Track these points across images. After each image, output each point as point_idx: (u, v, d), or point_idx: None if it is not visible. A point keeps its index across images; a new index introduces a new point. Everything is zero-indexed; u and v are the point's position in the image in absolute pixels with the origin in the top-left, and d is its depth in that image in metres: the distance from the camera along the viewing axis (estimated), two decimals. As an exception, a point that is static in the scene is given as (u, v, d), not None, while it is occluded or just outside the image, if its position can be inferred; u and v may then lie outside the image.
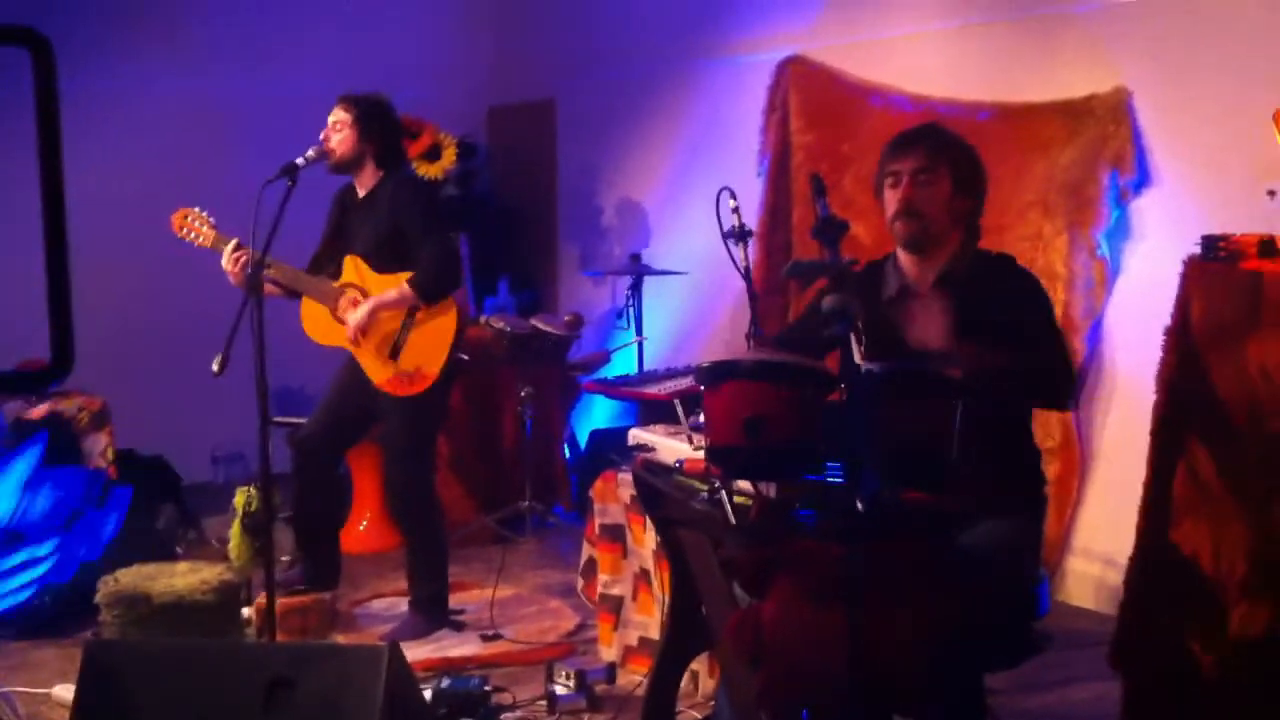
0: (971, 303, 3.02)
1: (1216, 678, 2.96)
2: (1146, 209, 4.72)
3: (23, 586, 4.74)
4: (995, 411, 2.86)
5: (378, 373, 4.53)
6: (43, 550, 4.83)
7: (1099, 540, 4.82)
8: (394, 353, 4.52)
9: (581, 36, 7.41)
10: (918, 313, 3.11)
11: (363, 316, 4.48)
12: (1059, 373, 3.04)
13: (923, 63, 5.47)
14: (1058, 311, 4.76)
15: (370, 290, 4.54)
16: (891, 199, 3.11)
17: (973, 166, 3.14)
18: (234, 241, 4.43)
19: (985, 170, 3.16)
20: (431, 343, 4.52)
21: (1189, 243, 3.35)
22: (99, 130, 6.39)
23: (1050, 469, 4.24)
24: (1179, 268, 3.21)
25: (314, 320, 4.63)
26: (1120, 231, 4.79)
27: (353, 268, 4.58)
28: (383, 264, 4.53)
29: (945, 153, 3.10)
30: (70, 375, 4.92)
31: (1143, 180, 4.70)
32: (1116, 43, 4.75)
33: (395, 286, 4.49)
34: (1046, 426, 4.73)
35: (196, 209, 4.58)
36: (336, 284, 4.60)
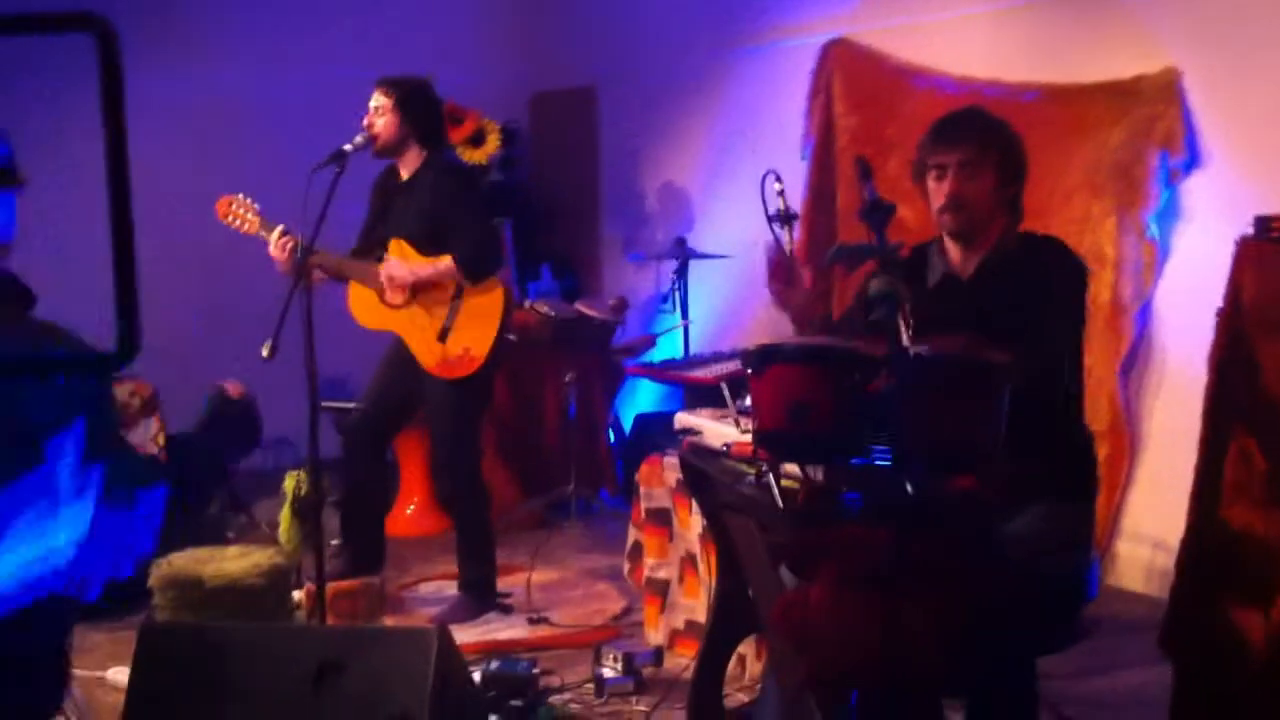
0: (1007, 290, 2.99)
1: (1267, 661, 2.94)
2: (1196, 190, 4.67)
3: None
4: (1043, 394, 2.85)
5: (426, 356, 4.56)
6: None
7: (1148, 523, 4.78)
8: (442, 335, 4.54)
9: (623, 22, 7.40)
10: (957, 301, 3.08)
11: (404, 271, 4.50)
12: (1034, 350, 2.94)
13: (967, 45, 5.43)
14: (1105, 295, 4.73)
15: None
16: (937, 191, 3.08)
17: (1016, 152, 3.10)
18: (279, 228, 4.46)
19: (1025, 151, 3.13)
20: (479, 324, 4.54)
21: (1240, 224, 3.31)
22: (143, 122, 6.44)
23: (1099, 452, 4.20)
24: (1230, 249, 3.17)
25: (361, 304, 4.66)
26: (1170, 213, 4.74)
27: (397, 250, 4.60)
28: (427, 247, 4.55)
29: (991, 143, 3.06)
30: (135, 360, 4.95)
31: (1193, 161, 4.65)
32: (1165, 22, 4.70)
33: (436, 261, 4.50)
34: (1095, 409, 4.69)
35: (241, 195, 4.61)
36: (382, 266, 4.62)
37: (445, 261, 4.48)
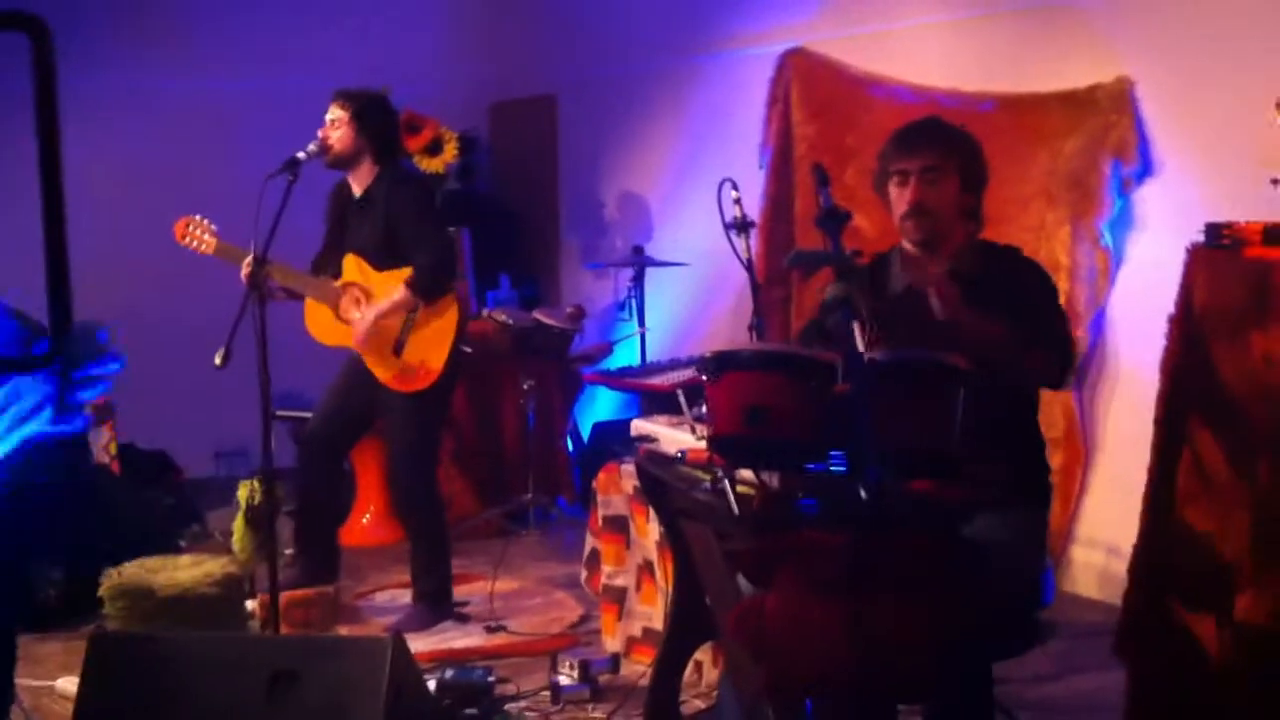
0: (979, 294, 3.00)
1: (1222, 665, 2.96)
2: (1149, 198, 4.72)
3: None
4: (999, 399, 2.86)
5: (382, 369, 4.54)
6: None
7: (1103, 530, 4.82)
8: (397, 349, 4.52)
9: (582, 31, 7.40)
10: (926, 309, 3.09)
11: (365, 326, 4.49)
12: (1056, 346, 3.02)
13: (925, 54, 5.46)
14: (1061, 301, 4.76)
15: (372, 288, 4.55)
16: (899, 198, 3.09)
17: (978, 159, 3.13)
18: (251, 255, 4.35)
19: (986, 160, 3.15)
20: (434, 338, 4.52)
21: (1191, 232, 3.33)
22: (100, 128, 6.39)
23: (1054, 459, 4.23)
24: (1182, 256, 3.20)
25: (317, 321, 4.63)
26: (1123, 221, 4.78)
27: (354, 266, 4.59)
28: (383, 261, 4.54)
29: (954, 150, 3.08)
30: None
31: (1145, 170, 4.70)
32: (1118, 33, 4.74)
33: (392, 290, 4.49)
34: (1050, 416, 4.72)
35: (198, 217, 4.56)
36: (338, 283, 4.60)
37: (400, 290, 4.47)
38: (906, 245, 3.18)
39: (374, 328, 4.51)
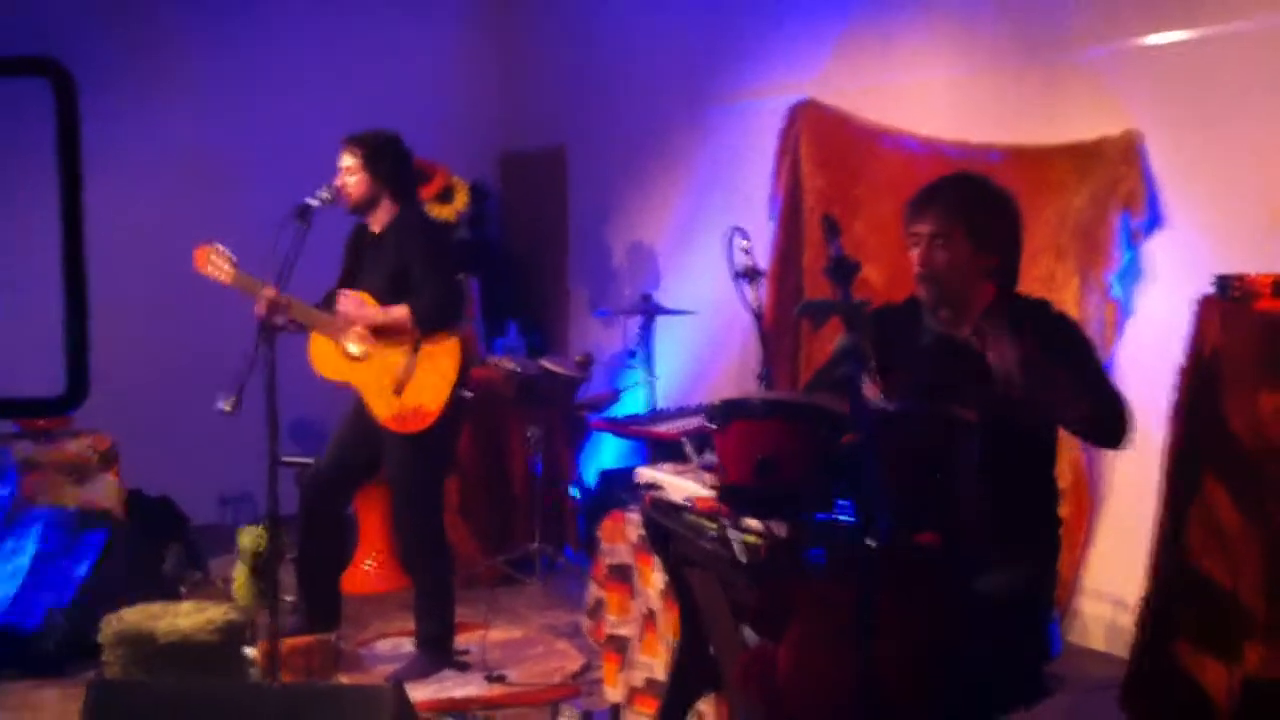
0: (1012, 352, 2.95)
1: (1230, 718, 2.92)
2: (1158, 251, 4.71)
3: None
4: (1014, 451, 2.84)
5: (381, 409, 4.52)
6: None
7: (1110, 581, 4.77)
8: (398, 389, 4.51)
9: (592, 83, 7.45)
10: (958, 360, 3.03)
11: (353, 308, 4.47)
12: (1118, 408, 2.96)
13: (933, 107, 5.48)
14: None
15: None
16: (914, 260, 3.06)
17: (993, 219, 3.05)
18: (272, 290, 4.24)
19: (1015, 218, 3.07)
20: (434, 380, 4.51)
21: (1200, 284, 3.34)
22: (107, 172, 6.41)
23: (1061, 510, 4.21)
24: (1190, 308, 3.20)
25: (321, 354, 4.62)
26: (1132, 273, 4.77)
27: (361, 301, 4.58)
28: (390, 299, 4.53)
29: (959, 214, 3.00)
30: (83, 404, 4.92)
31: (1154, 222, 4.69)
32: (1125, 86, 4.75)
33: (399, 310, 4.48)
34: (1057, 467, 4.69)
35: (219, 246, 4.55)
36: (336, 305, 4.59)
37: (399, 309, 4.46)
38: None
39: (362, 321, 4.48)
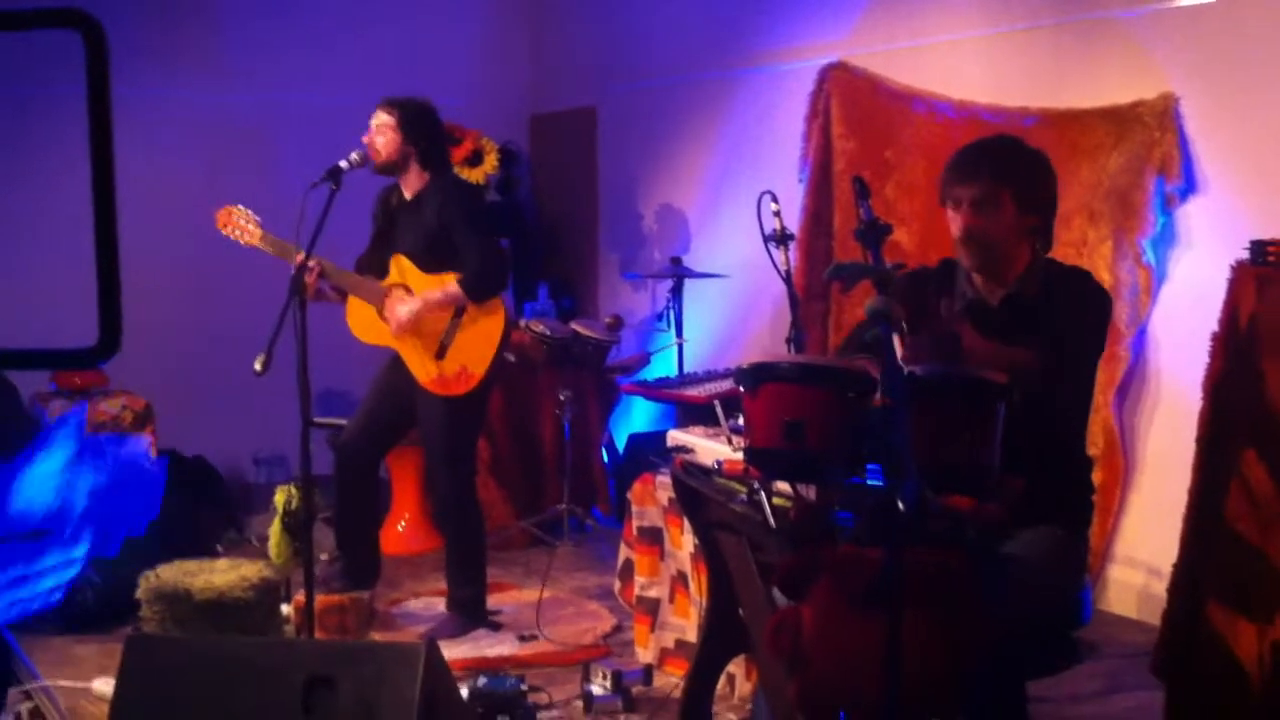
0: (1034, 323, 2.95)
1: (1262, 685, 2.92)
2: (1193, 215, 4.67)
3: (55, 588, 4.78)
4: (1046, 416, 2.83)
5: (423, 372, 4.54)
6: (77, 552, 4.84)
7: (1142, 549, 4.77)
8: (440, 352, 4.53)
9: (622, 45, 7.42)
10: (984, 326, 3.03)
11: (409, 313, 4.50)
12: (1072, 380, 2.95)
13: (965, 69, 5.44)
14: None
15: (416, 290, 4.56)
16: (954, 223, 3.01)
17: (1038, 182, 3.03)
18: (301, 254, 4.22)
19: (1054, 179, 3.05)
20: (478, 343, 4.53)
21: (1235, 249, 3.31)
22: (139, 137, 6.45)
23: (1093, 477, 4.22)
24: (1225, 274, 3.17)
25: (360, 319, 4.65)
26: (1166, 238, 4.74)
27: (400, 268, 4.60)
28: (430, 264, 4.54)
29: (1006, 178, 2.97)
30: (117, 356, 5.00)
31: (1189, 187, 4.66)
32: (1162, 48, 4.71)
33: (443, 286, 4.50)
34: (1090, 434, 4.68)
35: (241, 206, 4.56)
36: (384, 283, 4.61)
37: (448, 289, 4.48)
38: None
39: (418, 318, 4.51)
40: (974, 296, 3.07)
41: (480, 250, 4.49)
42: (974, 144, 3.10)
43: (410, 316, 4.50)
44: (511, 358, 4.64)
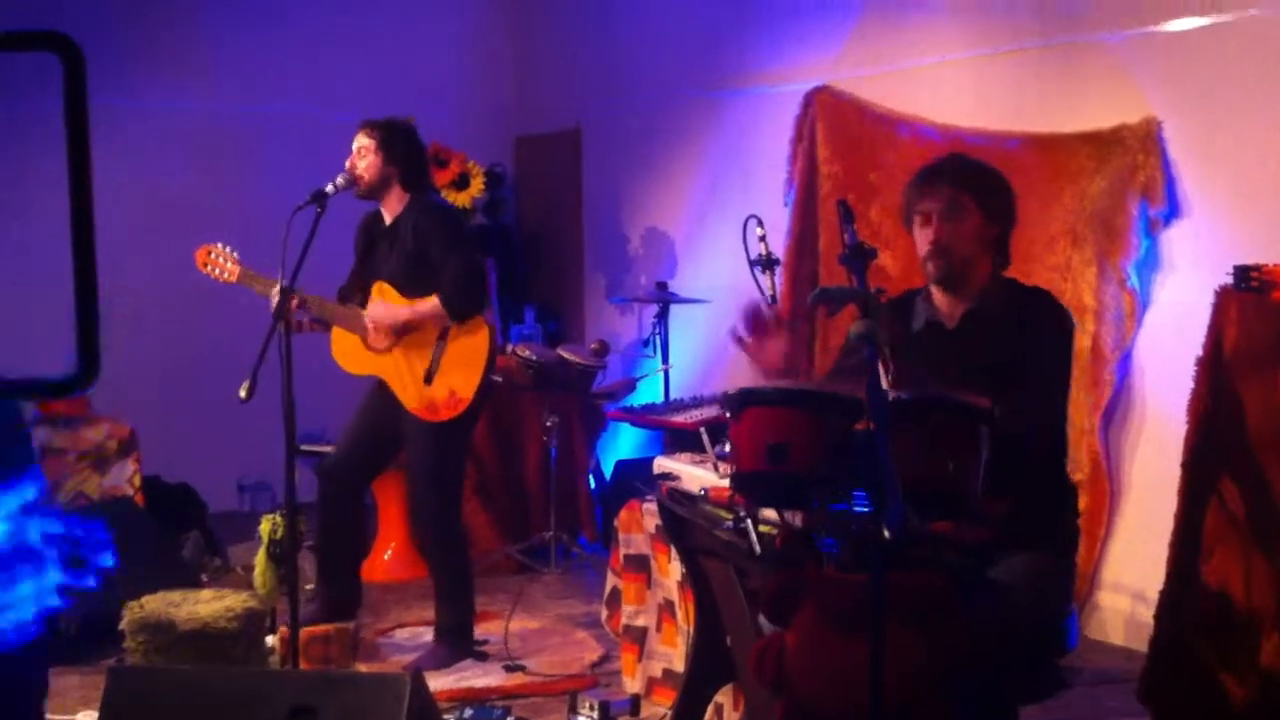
0: (991, 342, 2.98)
1: (1247, 712, 2.92)
2: (1176, 240, 4.69)
3: (34, 619, 4.77)
4: (1037, 448, 2.84)
5: (411, 399, 4.52)
6: (50, 581, 4.83)
7: (1128, 575, 4.76)
8: (428, 378, 4.51)
9: (607, 67, 7.44)
10: (939, 348, 3.07)
11: (384, 313, 4.48)
12: (1045, 427, 2.96)
13: (949, 92, 5.46)
14: (1085, 344, 4.73)
15: None
16: (922, 238, 3.06)
17: (998, 192, 3.11)
18: (278, 286, 4.32)
19: (1013, 192, 3.13)
20: (465, 366, 4.51)
21: (1219, 274, 3.32)
22: (121, 155, 6.44)
23: (1079, 502, 4.22)
24: (1209, 299, 3.18)
25: (344, 349, 4.63)
26: (1150, 262, 4.75)
27: (379, 293, 4.59)
28: (410, 289, 4.53)
29: (970, 185, 3.06)
30: (95, 384, 4.95)
31: (1172, 211, 4.67)
32: (1145, 73, 4.73)
33: (427, 301, 4.49)
34: (1075, 459, 4.68)
35: (220, 245, 4.56)
36: (366, 311, 4.60)
37: (429, 302, 4.47)
38: (932, 287, 3.14)
39: (393, 318, 4.49)
40: (931, 319, 3.10)
41: (458, 269, 4.47)
42: (936, 160, 3.21)
43: (388, 314, 4.48)
44: (499, 379, 4.61)
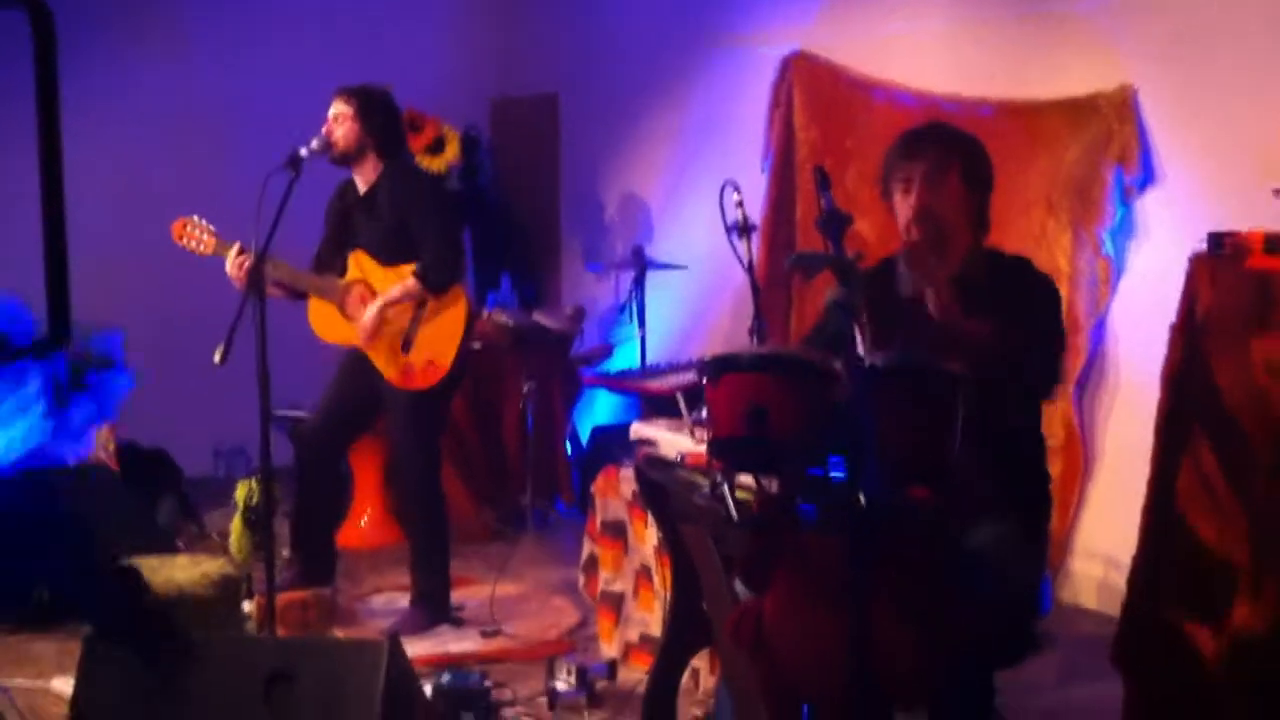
0: (979, 311, 2.98)
1: (1219, 675, 2.95)
2: (1151, 207, 4.71)
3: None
4: (1001, 406, 2.85)
5: (389, 367, 4.52)
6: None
7: (1102, 540, 4.80)
8: (405, 346, 4.51)
9: (584, 30, 7.40)
10: (926, 317, 3.06)
11: (371, 319, 4.48)
12: (1042, 362, 3.00)
13: (925, 59, 5.46)
14: (1063, 314, 4.75)
15: (376, 285, 4.53)
16: (904, 205, 3.06)
17: (981, 160, 3.11)
18: (236, 246, 4.36)
19: (991, 160, 3.14)
20: (443, 334, 4.51)
21: (1194, 241, 3.33)
22: (97, 125, 6.37)
23: (1053, 468, 4.23)
24: (1184, 265, 3.19)
25: (322, 318, 4.61)
26: (1125, 229, 4.77)
27: (359, 263, 4.57)
28: (389, 258, 4.52)
29: (953, 151, 3.06)
30: (65, 347, 4.93)
31: (1147, 178, 4.69)
32: (1120, 40, 4.73)
33: (400, 282, 4.48)
34: (1049, 425, 4.69)
35: (196, 217, 4.53)
36: (343, 281, 4.58)
37: (407, 281, 4.46)
38: (911, 251, 3.15)
39: (381, 319, 4.49)
40: (917, 284, 3.10)
41: (436, 239, 4.46)
42: (916, 128, 3.21)
43: (373, 321, 4.48)
44: (477, 346, 4.60)
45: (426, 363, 4.49)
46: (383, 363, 4.52)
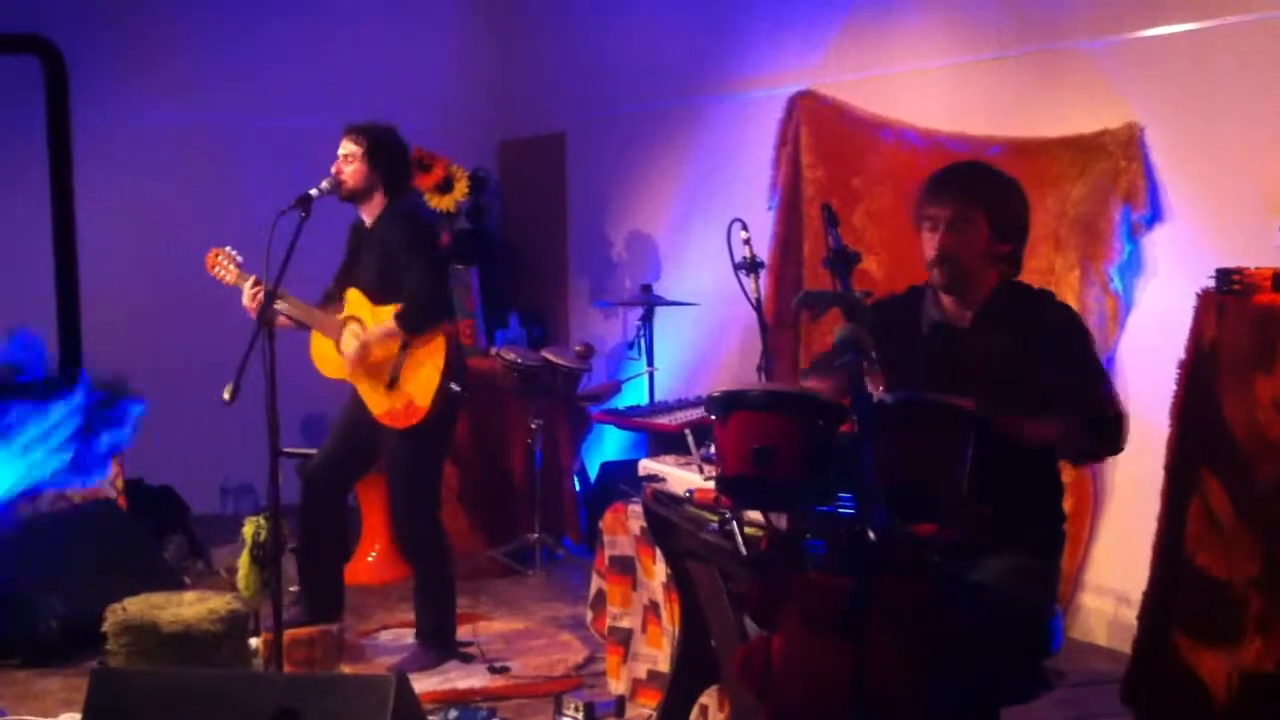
0: (1007, 339, 2.98)
1: (1229, 712, 2.94)
2: (1159, 244, 4.71)
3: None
4: (1008, 444, 2.85)
5: (376, 404, 4.55)
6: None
7: (1112, 577, 4.78)
8: (391, 384, 4.53)
9: (592, 71, 7.44)
10: (955, 349, 3.06)
11: (353, 351, 4.51)
12: (1115, 408, 2.96)
13: (932, 98, 5.48)
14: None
15: (367, 321, 4.57)
16: (929, 244, 3.05)
17: (1011, 208, 3.07)
18: (252, 279, 4.46)
19: (1026, 205, 3.10)
20: (422, 374, 4.53)
21: (1201, 277, 3.34)
22: (107, 163, 6.42)
23: (1064, 504, 4.23)
24: (1191, 302, 3.20)
25: (321, 353, 4.66)
26: (1132, 266, 4.78)
27: (355, 300, 4.62)
28: (380, 296, 4.56)
29: (980, 199, 3.02)
30: (77, 385, 4.96)
31: (1155, 215, 4.69)
32: (1127, 78, 4.75)
33: (384, 321, 4.51)
34: (1060, 461, 4.70)
35: (228, 248, 4.62)
36: (340, 316, 4.62)
37: (387, 322, 4.49)
38: (936, 290, 3.14)
39: (361, 355, 4.51)
40: (940, 319, 3.10)
41: (418, 280, 4.49)
42: (949, 166, 3.16)
43: (355, 354, 4.51)
44: (458, 388, 4.59)
45: (407, 402, 4.52)
46: (368, 399, 4.56)
